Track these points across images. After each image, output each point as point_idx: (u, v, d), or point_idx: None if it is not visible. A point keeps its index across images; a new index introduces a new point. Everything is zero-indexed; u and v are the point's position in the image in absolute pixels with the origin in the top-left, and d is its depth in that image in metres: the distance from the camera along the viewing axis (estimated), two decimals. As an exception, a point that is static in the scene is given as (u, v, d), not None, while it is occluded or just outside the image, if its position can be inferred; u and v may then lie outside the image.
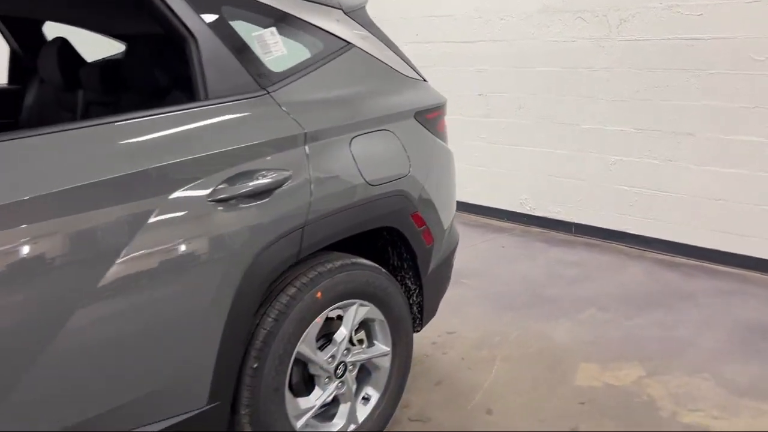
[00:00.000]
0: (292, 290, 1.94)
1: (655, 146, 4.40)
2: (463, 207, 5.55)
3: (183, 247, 1.64)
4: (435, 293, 2.55)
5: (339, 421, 2.17)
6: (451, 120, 5.37)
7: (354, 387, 2.21)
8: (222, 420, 1.83)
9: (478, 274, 4.12)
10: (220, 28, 1.88)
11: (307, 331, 1.98)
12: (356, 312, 2.15)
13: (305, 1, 2.15)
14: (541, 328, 3.34)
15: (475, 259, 4.42)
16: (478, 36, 5.21)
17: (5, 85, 3.04)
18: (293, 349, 1.95)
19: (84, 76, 2.49)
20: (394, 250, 2.40)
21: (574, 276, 4.09)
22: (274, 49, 1.98)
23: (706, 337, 3.24)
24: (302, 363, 2.05)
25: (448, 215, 2.55)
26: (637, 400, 2.67)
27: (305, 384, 2.09)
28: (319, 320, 2.02)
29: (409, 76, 2.47)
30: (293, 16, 2.10)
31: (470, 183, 5.48)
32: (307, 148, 1.93)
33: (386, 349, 2.28)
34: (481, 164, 5.43)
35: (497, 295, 3.78)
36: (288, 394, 1.98)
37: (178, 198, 1.63)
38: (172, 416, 1.69)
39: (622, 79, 4.46)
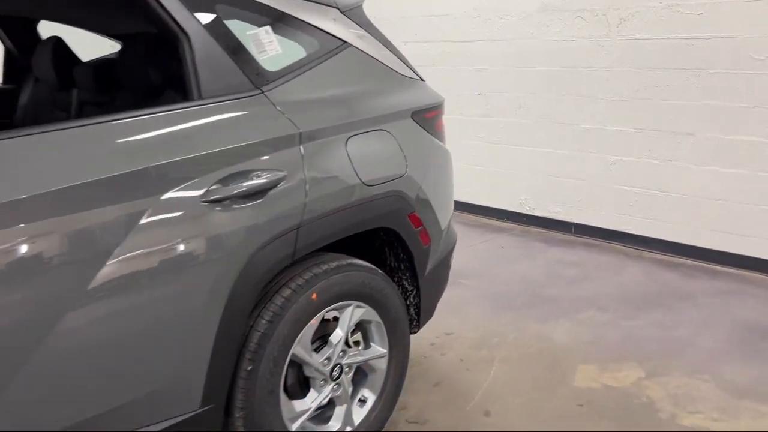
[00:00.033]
0: (287, 292, 1.92)
1: (655, 146, 4.38)
2: (463, 207, 5.53)
3: (175, 249, 1.62)
4: (432, 294, 2.53)
5: (335, 424, 2.15)
6: (450, 119, 5.35)
7: (350, 389, 2.19)
8: (216, 423, 1.81)
9: (477, 275, 4.10)
10: (214, 26, 1.86)
11: (302, 332, 1.96)
12: (352, 313, 2.12)
13: (301, 0, 2.13)
14: (540, 329, 3.32)
15: (474, 260, 4.40)
16: (478, 35, 5.19)
17: (0, 85, 3.02)
18: (288, 351, 1.93)
19: (78, 75, 2.47)
20: (391, 251, 2.38)
21: (573, 276, 4.08)
22: (269, 48, 1.96)
23: (706, 337, 3.22)
24: (297, 365, 2.03)
25: (445, 216, 2.53)
26: (636, 402, 2.66)
27: (300, 386, 2.07)
28: (315, 322, 2.00)
29: (406, 75, 2.45)
30: (288, 14, 2.08)
31: (469, 183, 5.46)
32: (302, 148, 1.91)
33: (383, 350, 2.26)
34: (480, 164, 5.41)
35: (496, 296, 3.76)
36: (283, 397, 1.96)
37: (170, 198, 1.62)
38: (165, 419, 1.67)
39: (621, 78, 4.45)
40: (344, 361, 2.14)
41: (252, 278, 1.78)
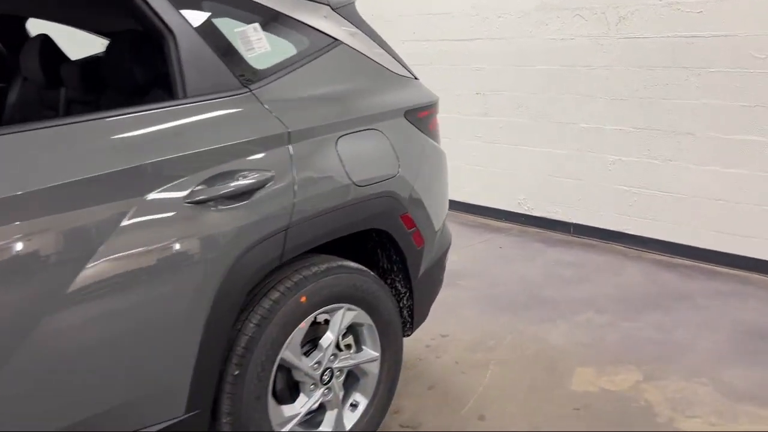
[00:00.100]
0: (275, 294, 1.88)
1: (655, 145, 4.33)
2: (461, 207, 5.49)
3: (158, 251, 1.58)
4: (426, 296, 2.49)
5: (326, 429, 2.11)
6: (448, 119, 5.34)
7: (341, 393, 2.15)
8: (202, 428, 1.77)
9: (475, 275, 4.06)
10: (201, 24, 1.82)
11: (291, 336, 1.92)
12: (343, 316, 2.08)
13: (290, -4, 2.09)
14: (537, 331, 3.28)
15: (471, 260, 4.36)
16: (476, 34, 5.14)
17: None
18: (276, 356, 1.89)
19: (65, 73, 2.43)
20: (384, 253, 2.34)
21: (571, 277, 4.03)
22: (257, 45, 1.92)
23: (705, 339, 3.18)
24: (287, 369, 1.99)
25: (439, 216, 2.49)
26: (633, 406, 2.61)
27: (290, 390, 2.04)
28: (304, 325, 1.96)
29: (400, 73, 2.40)
30: (278, 11, 2.04)
31: (468, 182, 5.42)
32: (290, 147, 1.87)
33: (375, 354, 2.22)
34: (478, 163, 5.37)
35: (493, 297, 3.72)
36: (272, 402, 1.93)
37: (153, 200, 1.58)
38: (149, 425, 1.64)
39: (621, 77, 4.40)
40: (335, 364, 2.10)
41: (238, 281, 1.74)
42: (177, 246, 1.61)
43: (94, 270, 1.48)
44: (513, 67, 4.98)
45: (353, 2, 2.36)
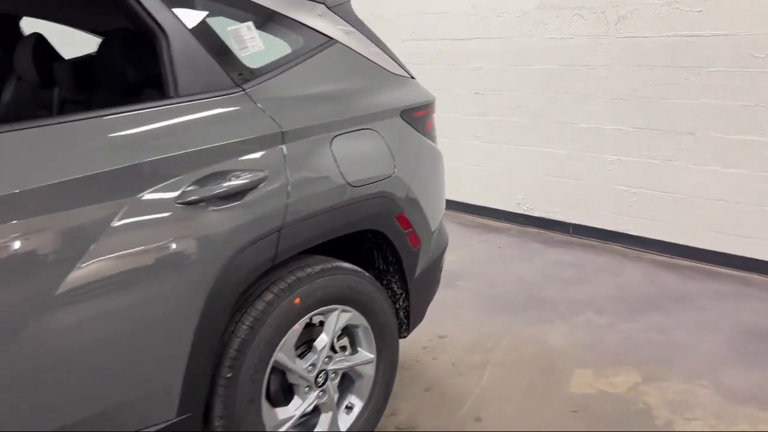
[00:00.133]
0: (268, 296, 1.86)
1: (654, 145, 4.31)
2: (460, 207, 5.47)
3: (148, 252, 1.56)
4: (422, 298, 2.46)
5: (320, 431, 2.08)
6: (447, 119, 5.33)
7: (336, 396, 2.13)
8: (194, 432, 1.75)
9: (473, 276, 4.03)
10: (193, 22, 1.80)
11: (284, 338, 1.90)
12: (338, 318, 2.06)
13: (285, -5, 2.06)
14: (535, 332, 3.26)
15: (470, 261, 4.34)
16: (475, 33, 5.12)
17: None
18: (270, 358, 1.87)
19: (58, 73, 2.41)
20: (380, 254, 2.32)
21: (570, 278, 4.01)
22: (251, 44, 1.90)
23: (705, 341, 3.16)
24: (281, 372, 1.97)
25: (436, 217, 2.46)
26: (632, 408, 2.59)
27: (284, 393, 2.01)
28: (298, 327, 1.94)
29: (396, 73, 2.38)
30: (272, 10, 2.02)
31: (467, 183, 5.40)
32: (284, 147, 1.85)
33: (370, 356, 2.20)
34: (477, 163, 5.35)
35: (492, 298, 3.69)
36: (265, 405, 1.90)
37: (143, 200, 1.56)
38: (139, 429, 1.62)
39: (620, 77, 4.38)
40: (330, 367, 2.07)
41: (231, 282, 1.72)
42: (168, 247, 1.59)
43: (83, 271, 1.46)
44: (512, 67, 4.96)
45: (349, 1, 2.34)
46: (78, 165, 1.48)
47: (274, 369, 1.92)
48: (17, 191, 1.39)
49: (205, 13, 1.89)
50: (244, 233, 1.73)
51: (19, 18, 2.86)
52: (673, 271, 4.11)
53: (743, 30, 3.80)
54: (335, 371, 2.10)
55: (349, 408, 2.20)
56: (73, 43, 2.94)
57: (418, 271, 2.36)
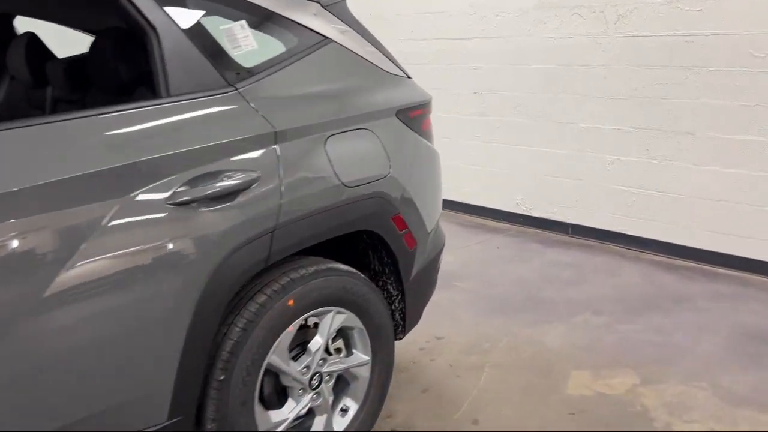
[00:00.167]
0: (262, 298, 1.84)
1: (654, 145, 4.29)
2: (458, 207, 5.45)
3: (138, 254, 1.54)
4: (418, 299, 2.44)
5: (315, 434, 2.07)
6: (446, 118, 5.30)
7: (331, 398, 2.11)
8: (186, 435, 1.73)
9: (471, 277, 4.01)
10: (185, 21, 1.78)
11: (278, 340, 1.88)
12: (333, 320, 2.04)
13: (279, -7, 2.04)
14: (533, 333, 3.23)
15: (468, 261, 4.32)
16: (474, 33, 5.10)
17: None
18: (263, 360, 1.85)
19: (50, 72, 2.39)
20: (375, 255, 2.30)
21: (569, 278, 3.99)
22: (244, 43, 1.88)
23: (704, 342, 3.13)
24: (274, 374, 1.95)
25: (432, 217, 2.44)
26: (630, 410, 2.57)
27: (278, 395, 1.99)
28: (292, 329, 1.92)
29: (392, 72, 2.36)
30: (266, 8, 2.00)
31: (466, 182, 5.38)
32: (277, 147, 1.83)
33: (366, 358, 2.18)
34: (476, 163, 5.33)
35: (490, 298, 3.67)
36: (258, 407, 1.88)
37: (134, 201, 1.54)
38: (129, 433, 1.60)
39: (619, 76, 4.35)
40: (324, 369, 2.06)
41: (223, 284, 1.70)
42: (158, 248, 1.57)
43: (72, 272, 1.45)
44: (511, 66, 4.94)
45: (344, 0, 2.32)
46: (67, 165, 1.46)
47: (267, 371, 1.90)
48: (5, 191, 1.37)
49: (198, 11, 1.87)
50: (237, 234, 1.71)
51: (12, 17, 2.84)
52: (671, 271, 4.09)
53: (743, 29, 3.78)
54: (330, 373, 2.08)
55: (344, 410, 2.18)
56: (73, 42, 2.93)
57: (414, 272, 2.34)
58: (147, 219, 1.56)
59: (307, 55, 2.07)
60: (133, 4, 1.67)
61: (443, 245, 2.62)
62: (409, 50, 5.37)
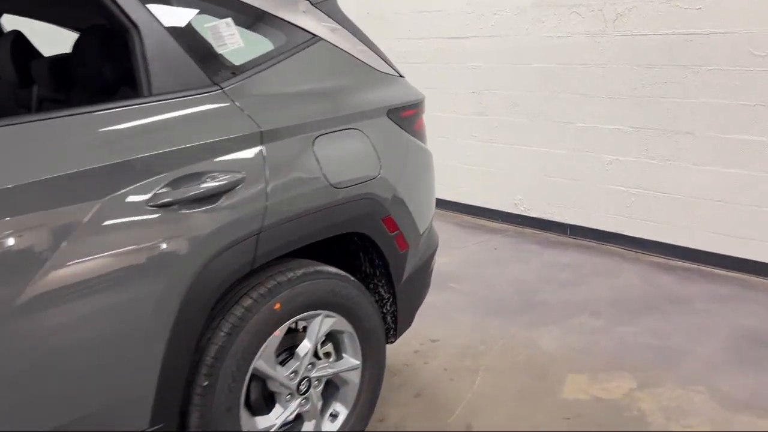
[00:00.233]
0: (247, 301, 1.80)
1: (653, 145, 4.24)
2: (456, 207, 5.41)
3: (118, 256, 1.50)
4: (410, 302, 2.40)
5: (303, 440, 2.03)
6: (444, 118, 5.25)
7: (320, 404, 2.07)
8: (169, 442, 1.69)
9: (468, 278, 3.97)
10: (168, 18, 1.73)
11: (264, 345, 1.84)
12: (321, 324, 2.00)
13: (267, -10, 2.00)
14: (529, 336, 3.19)
15: (465, 262, 4.28)
16: (471, 31, 5.05)
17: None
18: (249, 365, 1.81)
19: (35, 71, 2.35)
20: (366, 257, 2.26)
21: (566, 280, 3.94)
22: (230, 41, 1.84)
23: (702, 345, 3.09)
24: (261, 379, 1.91)
25: (424, 219, 2.40)
26: (626, 415, 2.53)
27: (265, 401, 1.95)
28: (279, 333, 1.88)
29: (383, 71, 2.32)
30: (253, 6, 1.96)
31: (463, 182, 5.34)
32: (263, 148, 1.79)
33: (356, 362, 2.14)
34: (474, 163, 5.28)
35: (486, 300, 3.63)
36: (244, 413, 1.85)
37: (113, 203, 1.50)
38: (109, 440, 1.56)
39: (618, 75, 4.31)
40: (313, 374, 2.02)
41: (206, 288, 1.66)
42: (138, 251, 1.53)
43: (49, 276, 1.41)
44: (509, 65, 4.89)
45: (334, -3, 2.28)
46: (46, 165, 1.42)
47: (254, 376, 1.86)
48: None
49: (183, 9, 1.83)
50: (220, 237, 1.67)
51: (-1, 15, 2.81)
52: (670, 272, 4.05)
53: (742, 28, 3.73)
54: (319, 378, 2.04)
55: (334, 416, 2.15)
56: (65, 40, 2.89)
57: (406, 274, 2.30)
58: (127, 221, 1.52)
59: (296, 53, 2.03)
60: (115, 2, 1.63)
61: (436, 247, 2.58)
62: (407, 49, 5.33)
